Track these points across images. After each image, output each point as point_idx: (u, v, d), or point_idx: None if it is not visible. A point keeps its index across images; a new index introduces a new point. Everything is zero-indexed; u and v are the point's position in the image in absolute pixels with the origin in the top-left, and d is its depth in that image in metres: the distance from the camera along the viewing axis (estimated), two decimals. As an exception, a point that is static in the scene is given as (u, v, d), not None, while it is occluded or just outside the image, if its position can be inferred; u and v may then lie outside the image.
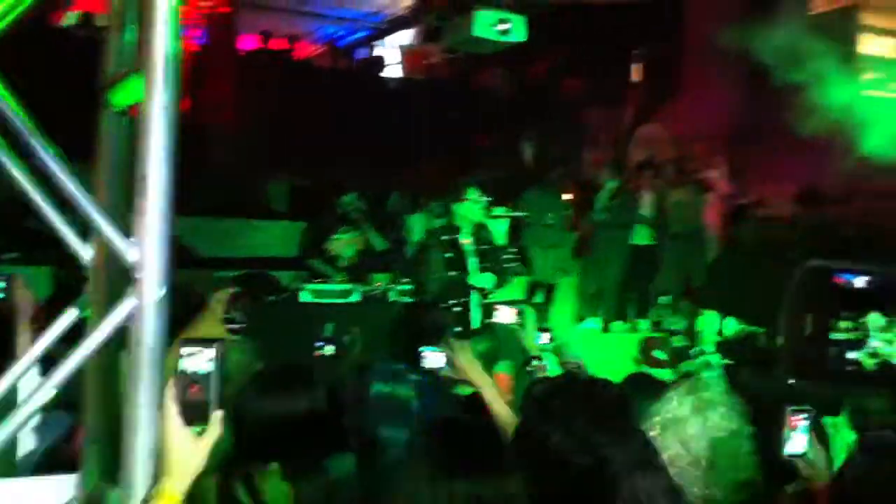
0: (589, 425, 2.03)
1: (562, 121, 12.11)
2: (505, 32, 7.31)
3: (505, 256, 6.69)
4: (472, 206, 6.42)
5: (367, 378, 2.99)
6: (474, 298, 6.26)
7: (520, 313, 4.06)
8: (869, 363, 0.90)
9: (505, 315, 4.19)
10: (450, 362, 3.51)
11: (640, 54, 15.20)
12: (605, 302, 9.67)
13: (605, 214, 9.61)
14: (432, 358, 3.72)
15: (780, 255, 8.94)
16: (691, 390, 2.93)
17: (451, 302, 6.04)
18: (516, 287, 9.61)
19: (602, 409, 2.11)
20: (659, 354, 5.90)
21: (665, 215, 9.75)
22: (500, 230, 9.17)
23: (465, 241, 6.42)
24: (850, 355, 0.87)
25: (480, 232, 6.54)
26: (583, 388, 2.24)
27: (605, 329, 9.55)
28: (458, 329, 5.89)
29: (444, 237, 6.40)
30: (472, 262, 6.36)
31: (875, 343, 0.88)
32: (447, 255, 6.29)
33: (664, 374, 5.65)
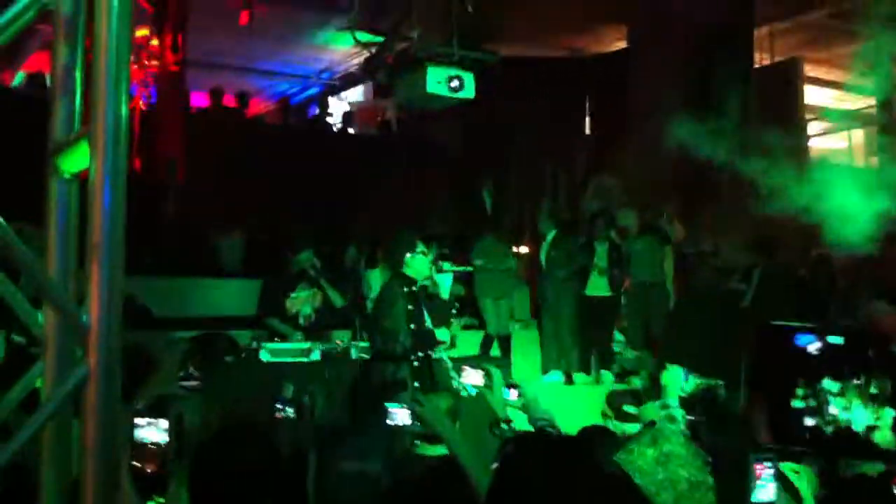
0: (566, 486, 2.01)
1: (515, 173, 12.22)
2: (455, 89, 7.38)
3: (452, 311, 6.72)
4: (421, 261, 6.43)
5: (334, 452, 2.91)
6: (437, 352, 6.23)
7: (487, 374, 4.01)
8: (828, 430, 0.89)
9: (472, 377, 4.14)
10: (417, 417, 3.46)
11: (589, 107, 15.47)
12: (566, 354, 9.64)
13: (555, 265, 9.62)
14: (398, 414, 3.66)
15: (735, 306, 9.05)
16: (653, 442, 2.93)
17: (412, 356, 6.01)
18: (471, 341, 9.61)
19: (577, 469, 2.10)
20: (628, 408, 5.87)
21: (623, 265, 9.82)
22: (445, 284, 9.19)
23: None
24: (809, 422, 0.86)
25: (428, 286, 6.66)
26: (555, 447, 2.23)
27: (569, 381, 9.53)
28: (418, 384, 5.86)
29: (403, 290, 6.34)
30: (427, 316, 6.36)
31: (832, 410, 0.88)
32: (408, 307, 6.26)
33: (632, 428, 5.61)
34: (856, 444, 0.90)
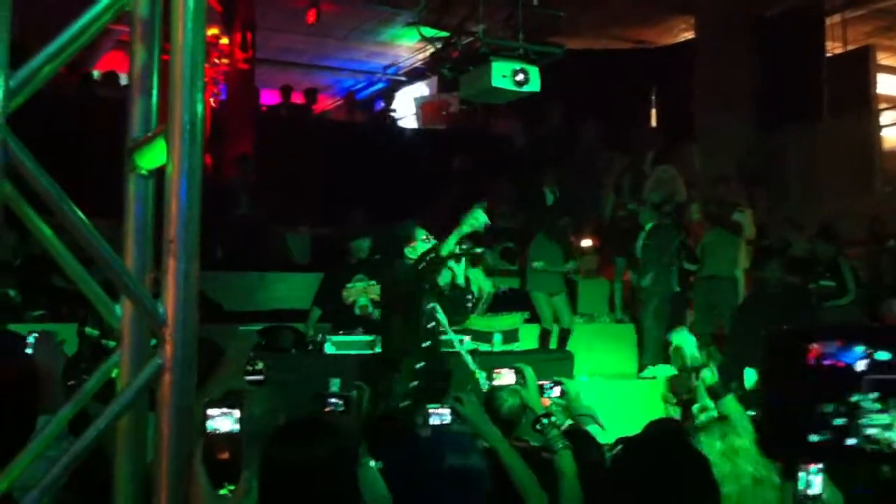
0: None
1: (579, 166, 12.14)
2: (521, 83, 7.37)
3: (467, 297, 6.52)
4: (423, 247, 6.03)
5: (436, 447, 2.90)
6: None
7: (518, 372, 3.97)
8: (868, 448, 0.86)
9: (503, 378, 4.12)
10: (458, 415, 3.46)
11: (655, 99, 15.32)
12: (650, 347, 9.56)
13: (652, 257, 9.55)
14: (440, 413, 3.64)
15: (806, 300, 8.89)
16: (722, 436, 2.92)
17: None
18: (528, 335, 9.57)
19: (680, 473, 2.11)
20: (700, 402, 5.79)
21: (695, 258, 9.73)
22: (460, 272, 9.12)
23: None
24: (850, 442, 0.83)
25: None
26: (656, 451, 2.23)
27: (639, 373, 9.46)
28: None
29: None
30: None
31: (871, 430, 0.85)
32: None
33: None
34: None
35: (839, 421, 0.96)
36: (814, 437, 0.96)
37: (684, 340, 4.25)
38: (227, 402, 1.90)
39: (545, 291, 9.73)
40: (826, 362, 0.96)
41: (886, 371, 0.95)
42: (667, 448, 2.32)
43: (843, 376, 0.96)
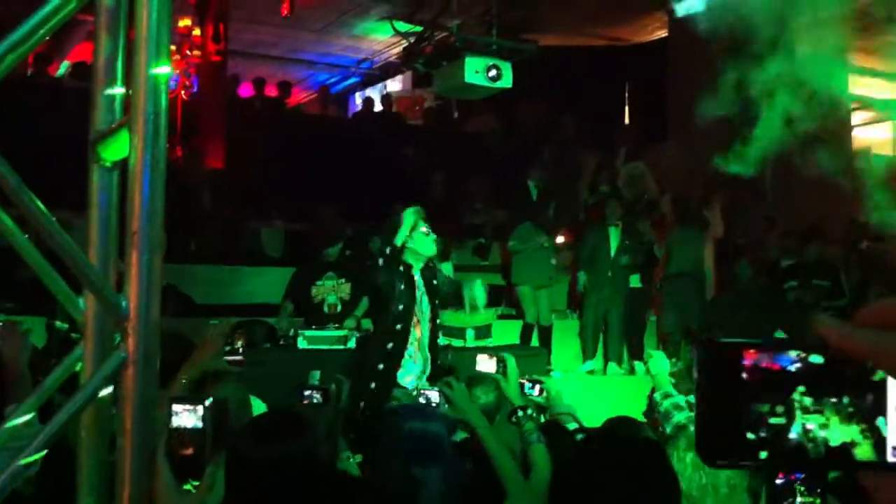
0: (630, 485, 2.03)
1: (553, 163, 12.17)
2: (494, 79, 7.39)
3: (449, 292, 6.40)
4: (421, 239, 5.79)
5: (398, 416, 2.98)
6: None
7: (500, 361, 3.99)
8: (809, 447, 0.88)
9: (485, 364, 4.12)
10: (446, 399, 3.52)
11: (629, 96, 15.38)
12: (610, 344, 9.63)
13: (619, 255, 9.58)
14: (430, 394, 3.76)
15: (779, 298, 8.95)
16: (689, 446, 2.91)
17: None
18: (509, 331, 9.59)
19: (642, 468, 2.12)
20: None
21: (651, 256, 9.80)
22: (447, 271, 9.15)
23: (415, 276, 5.82)
24: (793, 436, 0.85)
25: (429, 268, 5.96)
26: (618, 447, 2.24)
27: (604, 372, 9.53)
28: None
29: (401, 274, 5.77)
30: (424, 300, 5.86)
31: (809, 426, 0.86)
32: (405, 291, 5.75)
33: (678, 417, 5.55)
34: (837, 459, 0.89)
35: (776, 420, 0.97)
36: (751, 436, 0.97)
37: (659, 367, 4.26)
38: (191, 397, 1.89)
39: (531, 285, 9.73)
40: (762, 364, 0.96)
41: (820, 373, 0.97)
42: (623, 442, 2.34)
43: (778, 378, 0.96)
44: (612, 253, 9.60)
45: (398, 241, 5.73)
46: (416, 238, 5.76)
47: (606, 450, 2.24)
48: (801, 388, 0.96)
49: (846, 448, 0.97)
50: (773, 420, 0.94)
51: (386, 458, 2.84)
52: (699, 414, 0.91)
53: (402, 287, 5.70)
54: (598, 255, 9.62)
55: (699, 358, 0.93)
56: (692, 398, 3.90)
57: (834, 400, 0.99)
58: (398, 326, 5.68)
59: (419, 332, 5.80)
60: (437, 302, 5.91)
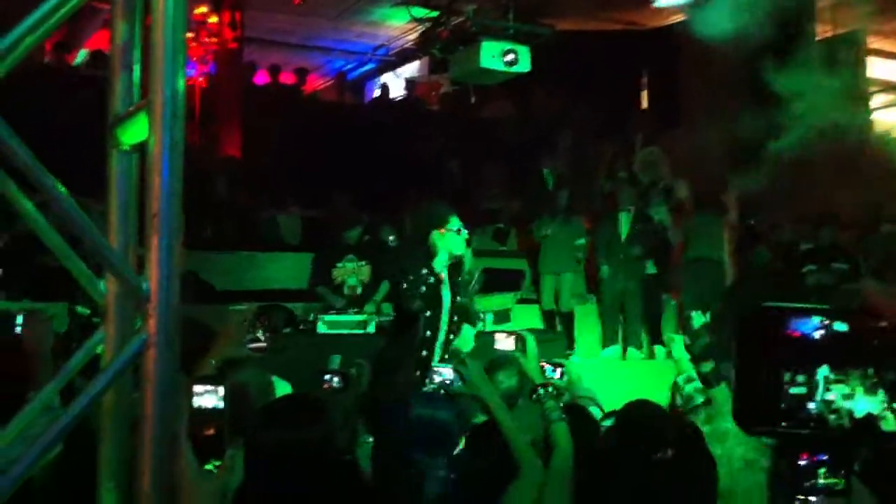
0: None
1: (570, 148, 12.13)
2: (510, 63, 7.35)
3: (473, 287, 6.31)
4: (452, 239, 5.72)
5: (408, 401, 2.98)
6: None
7: (519, 339, 3.96)
8: (832, 418, 0.87)
9: (504, 343, 4.09)
10: (461, 377, 3.49)
11: (644, 81, 15.29)
12: (628, 329, 9.63)
13: (634, 242, 9.56)
14: (444, 372, 3.72)
15: (799, 282, 8.90)
16: (708, 419, 2.92)
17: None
18: (531, 315, 9.60)
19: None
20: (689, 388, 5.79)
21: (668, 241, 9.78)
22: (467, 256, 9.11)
23: (442, 273, 5.77)
24: (811, 407, 0.84)
25: (456, 264, 5.87)
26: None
27: (623, 357, 9.53)
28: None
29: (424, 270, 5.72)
30: (447, 295, 5.81)
31: (831, 396, 0.85)
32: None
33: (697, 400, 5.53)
34: (861, 430, 0.89)
35: (797, 390, 0.97)
36: (780, 406, 0.97)
37: (681, 351, 4.25)
38: (212, 379, 1.90)
39: (550, 272, 9.74)
40: (785, 332, 0.97)
41: (844, 341, 0.96)
42: (655, 424, 2.34)
43: (801, 346, 0.97)
44: (623, 239, 9.59)
45: (438, 269, 5.66)
46: (448, 238, 5.70)
47: (639, 430, 2.24)
48: (824, 358, 0.96)
49: (871, 419, 0.97)
50: (793, 390, 0.95)
51: (393, 444, 2.85)
52: (737, 382, 0.91)
53: (432, 293, 5.69)
54: (611, 242, 9.62)
55: (739, 328, 0.93)
56: (705, 368, 3.90)
57: (859, 370, 0.99)
58: (427, 333, 5.66)
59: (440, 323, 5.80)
60: (457, 292, 5.89)
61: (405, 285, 5.64)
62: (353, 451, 3.36)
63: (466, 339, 5.88)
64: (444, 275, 5.76)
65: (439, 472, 2.74)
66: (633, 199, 9.73)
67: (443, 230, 5.69)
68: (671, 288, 10.24)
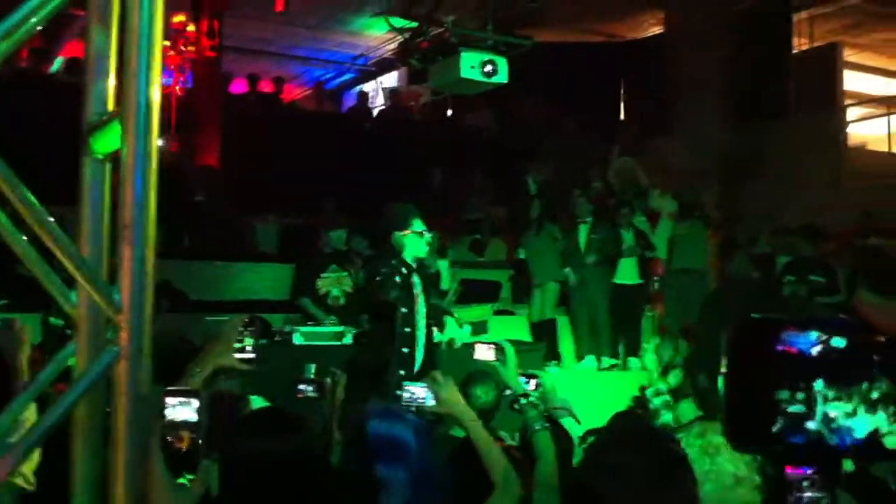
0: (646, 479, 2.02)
1: (550, 158, 12.17)
2: (489, 74, 7.36)
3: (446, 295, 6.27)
4: (415, 240, 5.59)
5: (364, 417, 2.95)
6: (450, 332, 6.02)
7: (499, 349, 3.94)
8: (832, 438, 0.86)
9: (483, 353, 4.06)
10: (435, 397, 3.43)
11: (624, 92, 15.38)
12: (597, 340, 9.61)
13: (590, 250, 9.54)
14: (416, 391, 3.63)
15: (775, 294, 8.92)
16: (702, 434, 2.91)
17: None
18: (520, 327, 9.58)
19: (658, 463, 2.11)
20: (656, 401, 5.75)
21: (650, 250, 9.79)
22: (444, 267, 9.12)
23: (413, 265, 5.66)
24: (811, 426, 0.83)
25: (422, 269, 5.81)
26: (636, 441, 2.23)
27: (599, 367, 9.52)
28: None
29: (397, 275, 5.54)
30: (421, 300, 5.68)
31: (832, 414, 0.84)
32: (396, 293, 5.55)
33: (665, 417, 5.54)
34: (863, 448, 0.87)
35: (795, 408, 0.95)
36: (774, 427, 0.95)
37: (652, 362, 4.25)
38: (185, 391, 1.88)
39: (537, 284, 9.74)
40: (780, 348, 0.94)
41: (842, 357, 0.94)
42: (639, 437, 2.32)
43: (798, 363, 0.94)
44: (583, 250, 9.61)
45: (410, 260, 5.57)
46: (411, 239, 5.59)
47: (627, 444, 2.23)
48: (823, 375, 0.94)
49: (875, 437, 0.96)
50: (791, 409, 0.93)
51: (354, 455, 2.82)
52: (728, 398, 0.90)
53: (406, 292, 5.56)
54: (574, 253, 9.61)
55: (731, 341, 0.92)
56: (673, 379, 3.89)
57: (858, 386, 0.97)
58: (406, 330, 5.55)
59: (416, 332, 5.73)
60: (430, 300, 5.85)
61: (378, 277, 5.56)
62: (329, 461, 3.33)
63: (453, 329, 5.86)
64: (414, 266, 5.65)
65: (401, 485, 2.71)
66: (589, 210, 9.72)
67: (406, 231, 5.57)
68: (651, 299, 10.25)
